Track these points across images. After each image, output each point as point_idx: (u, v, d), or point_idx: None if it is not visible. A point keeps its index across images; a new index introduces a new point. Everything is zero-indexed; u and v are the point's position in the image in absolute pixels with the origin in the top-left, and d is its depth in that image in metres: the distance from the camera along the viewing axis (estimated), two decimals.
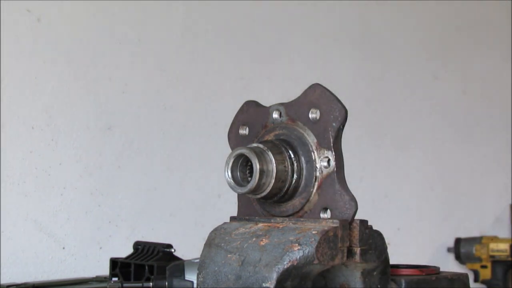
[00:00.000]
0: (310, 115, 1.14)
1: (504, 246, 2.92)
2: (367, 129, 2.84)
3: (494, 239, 2.96)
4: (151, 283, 1.55)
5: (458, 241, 3.02)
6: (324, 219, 1.11)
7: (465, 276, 1.29)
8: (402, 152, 2.96)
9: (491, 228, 3.22)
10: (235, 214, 1.23)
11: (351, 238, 1.09)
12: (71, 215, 2.12)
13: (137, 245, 1.84)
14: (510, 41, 3.36)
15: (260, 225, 1.15)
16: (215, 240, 1.15)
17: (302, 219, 1.13)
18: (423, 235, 3.01)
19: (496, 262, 2.93)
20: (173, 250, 1.77)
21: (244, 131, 1.22)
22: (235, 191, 1.14)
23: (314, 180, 1.13)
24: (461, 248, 3.00)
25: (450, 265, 3.01)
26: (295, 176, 1.13)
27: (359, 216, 1.10)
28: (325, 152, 1.12)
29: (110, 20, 2.23)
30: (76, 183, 2.13)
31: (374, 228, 1.13)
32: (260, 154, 1.11)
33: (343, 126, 1.13)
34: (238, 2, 2.50)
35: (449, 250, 3.05)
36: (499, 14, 3.37)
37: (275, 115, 1.19)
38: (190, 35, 2.39)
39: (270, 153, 1.12)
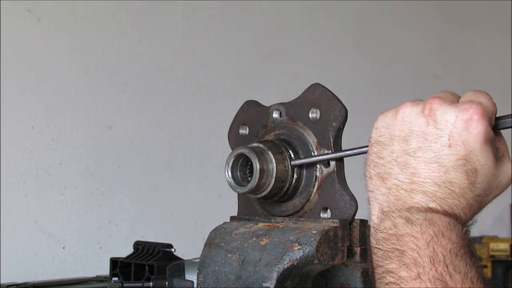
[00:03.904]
0: (310, 115, 1.14)
1: (504, 246, 2.91)
2: (367, 129, 2.83)
3: (494, 239, 2.96)
4: (151, 283, 1.55)
5: None
6: (324, 218, 1.10)
7: None
8: None
9: (491, 228, 3.21)
10: (235, 214, 1.22)
11: (351, 237, 1.09)
12: (71, 215, 2.12)
13: (137, 245, 1.84)
14: (510, 41, 3.36)
15: (260, 224, 1.14)
16: (215, 239, 1.15)
17: (302, 219, 1.12)
18: None
19: (496, 261, 2.93)
20: (173, 250, 1.77)
21: (244, 130, 1.22)
22: (235, 190, 1.14)
23: (314, 179, 1.12)
24: None
25: None
26: (295, 175, 1.13)
27: (359, 215, 1.10)
28: (325, 151, 1.12)
29: (110, 20, 2.23)
30: (76, 183, 2.13)
31: None
32: (260, 154, 1.11)
33: (343, 126, 1.13)
34: (238, 2, 2.50)
35: None
36: (499, 14, 3.37)
37: (275, 114, 1.18)
38: (190, 35, 2.39)
39: (270, 153, 1.12)
